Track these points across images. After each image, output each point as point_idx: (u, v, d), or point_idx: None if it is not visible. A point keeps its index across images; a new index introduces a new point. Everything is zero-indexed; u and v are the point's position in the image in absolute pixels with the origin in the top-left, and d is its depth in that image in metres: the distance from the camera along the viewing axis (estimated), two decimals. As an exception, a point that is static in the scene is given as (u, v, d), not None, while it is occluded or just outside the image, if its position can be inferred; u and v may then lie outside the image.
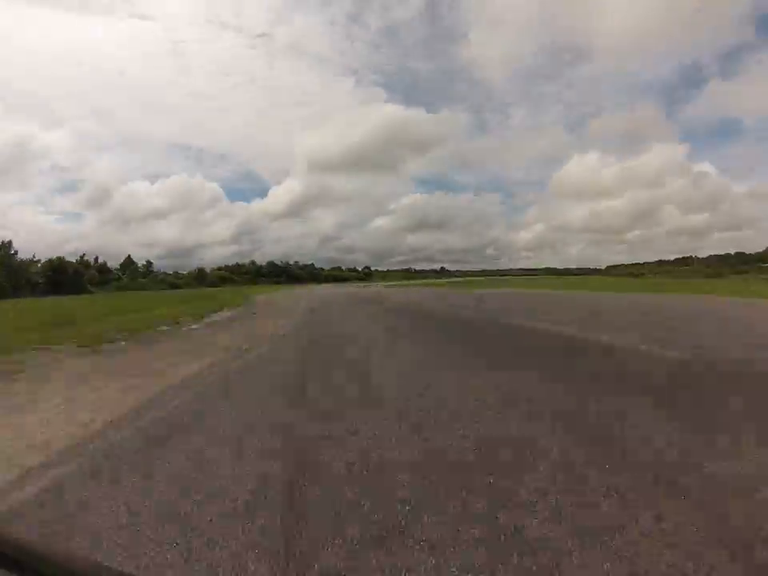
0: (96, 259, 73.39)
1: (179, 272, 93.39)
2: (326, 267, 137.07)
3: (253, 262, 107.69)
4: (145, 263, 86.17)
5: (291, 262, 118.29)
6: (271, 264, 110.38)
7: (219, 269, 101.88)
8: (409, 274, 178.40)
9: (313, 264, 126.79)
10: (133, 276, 74.46)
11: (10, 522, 1.98)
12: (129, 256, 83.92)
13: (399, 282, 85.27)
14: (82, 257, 67.12)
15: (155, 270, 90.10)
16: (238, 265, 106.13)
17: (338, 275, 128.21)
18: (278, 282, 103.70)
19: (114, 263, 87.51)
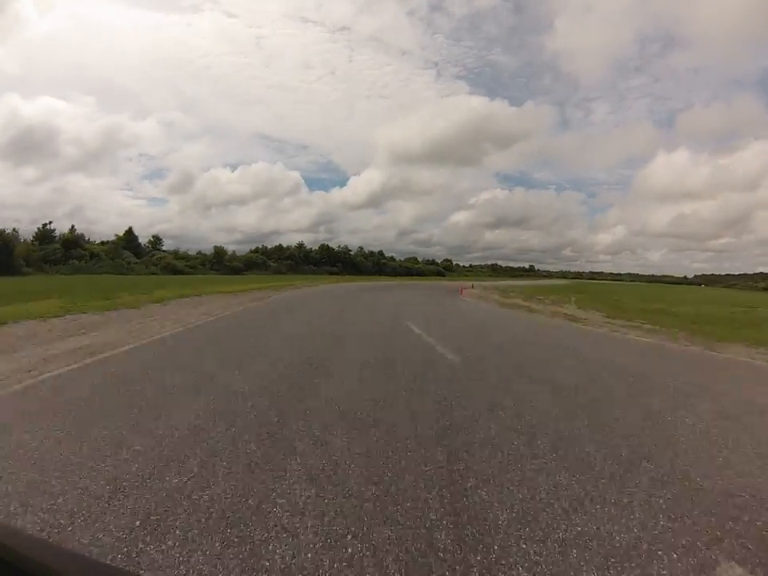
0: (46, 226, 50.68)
1: (186, 251, 69.84)
2: (400, 257, 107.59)
3: (301, 245, 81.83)
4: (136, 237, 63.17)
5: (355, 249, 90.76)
6: (325, 248, 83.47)
7: (254, 251, 76.89)
8: (495, 270, 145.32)
9: (381, 252, 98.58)
10: (115, 256, 51.36)
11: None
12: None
13: (512, 283, 64.46)
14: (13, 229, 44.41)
15: (159, 248, 67.15)
16: (279, 247, 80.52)
17: (411, 267, 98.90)
18: (332, 273, 74.92)
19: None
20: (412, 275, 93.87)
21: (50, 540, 1.23)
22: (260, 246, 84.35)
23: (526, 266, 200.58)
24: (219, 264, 67.73)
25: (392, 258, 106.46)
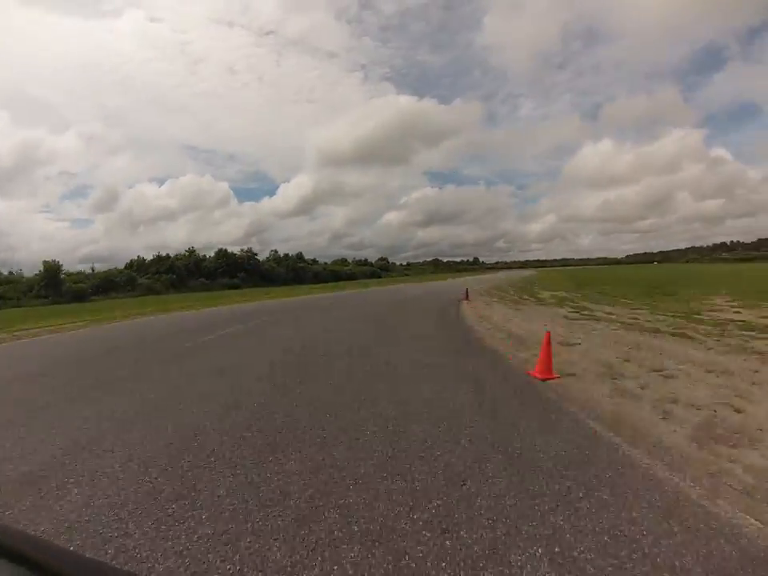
0: None
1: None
2: (327, 260, 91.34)
3: (191, 251, 63.31)
4: None
5: (267, 253, 73.51)
6: (222, 254, 65.73)
7: (126, 267, 57.58)
8: (438, 267, 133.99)
9: (301, 255, 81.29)
10: None
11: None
12: None
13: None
14: None
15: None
16: (158, 258, 61.50)
17: (340, 271, 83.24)
18: (231, 286, 56.85)
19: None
20: (341, 279, 78.30)
21: (50, 540, 1.19)
22: (135, 258, 64.55)
23: (469, 259, 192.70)
24: (53, 288, 47.67)
25: (314, 261, 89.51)
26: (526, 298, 19.11)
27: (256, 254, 72.50)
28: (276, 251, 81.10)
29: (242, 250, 72.72)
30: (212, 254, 69.33)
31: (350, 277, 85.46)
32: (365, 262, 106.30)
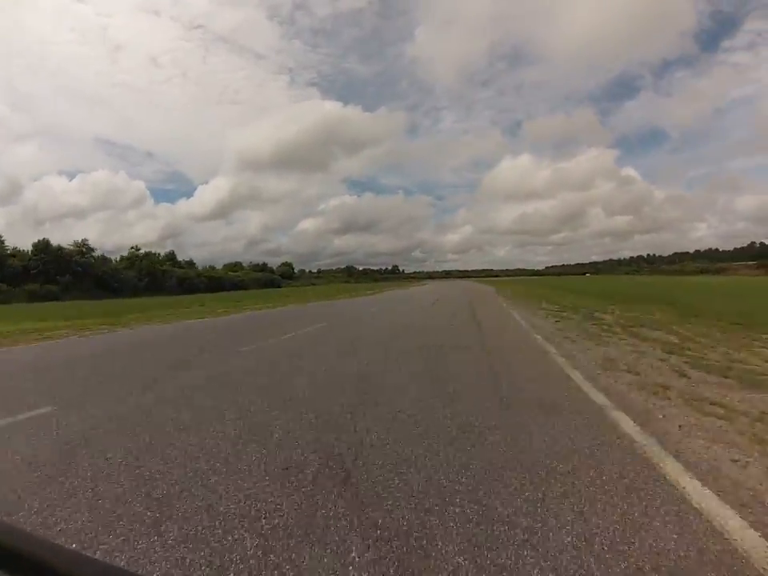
0: None
1: None
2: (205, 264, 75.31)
3: (61, 249, 45.01)
4: None
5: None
6: (42, 247, 47.80)
7: None
8: (351, 275, 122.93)
9: (156, 255, 64.14)
10: None
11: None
12: None
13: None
14: None
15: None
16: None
17: (222, 278, 67.07)
18: (48, 297, 37.69)
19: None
20: (222, 290, 62.40)
21: (50, 540, 0.79)
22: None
23: (387, 267, 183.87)
24: None
25: (177, 265, 70.57)
26: (565, 315, 12.17)
27: (93, 249, 54.98)
28: (136, 248, 62.72)
29: (75, 243, 54.51)
30: (29, 250, 50.47)
31: (238, 286, 70.31)
32: (262, 267, 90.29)
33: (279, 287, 75.38)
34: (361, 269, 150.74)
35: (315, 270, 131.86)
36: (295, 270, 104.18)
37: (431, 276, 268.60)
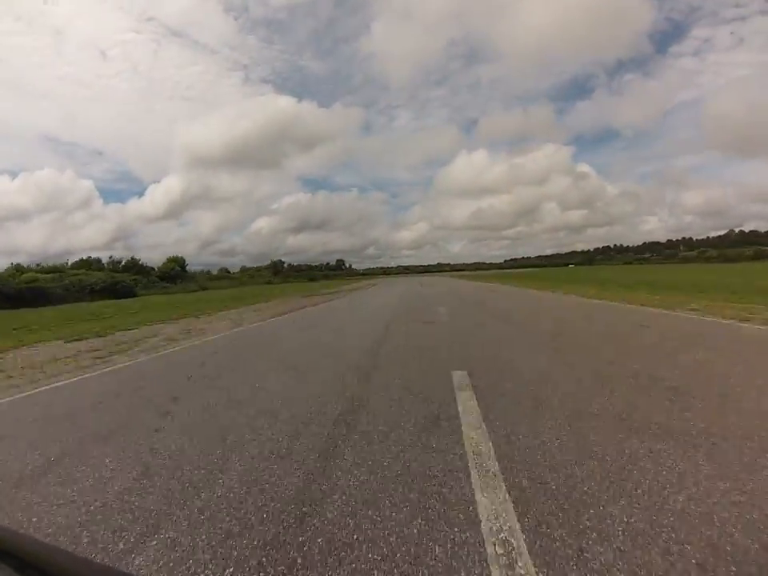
0: None
1: None
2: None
3: None
4: None
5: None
6: None
7: None
8: (278, 272, 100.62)
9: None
10: None
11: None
12: None
13: None
14: None
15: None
16: None
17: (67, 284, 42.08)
18: None
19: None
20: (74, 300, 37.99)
21: (50, 542, 1.23)
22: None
23: (329, 262, 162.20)
24: None
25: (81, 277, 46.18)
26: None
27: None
28: None
29: None
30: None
31: (112, 292, 45.89)
32: (115, 265, 64.09)
33: (131, 296, 49.65)
34: (294, 264, 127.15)
35: (223, 269, 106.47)
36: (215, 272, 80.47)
37: (386, 272, 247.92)
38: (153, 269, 68.86)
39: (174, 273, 69.69)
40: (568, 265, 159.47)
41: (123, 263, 65.66)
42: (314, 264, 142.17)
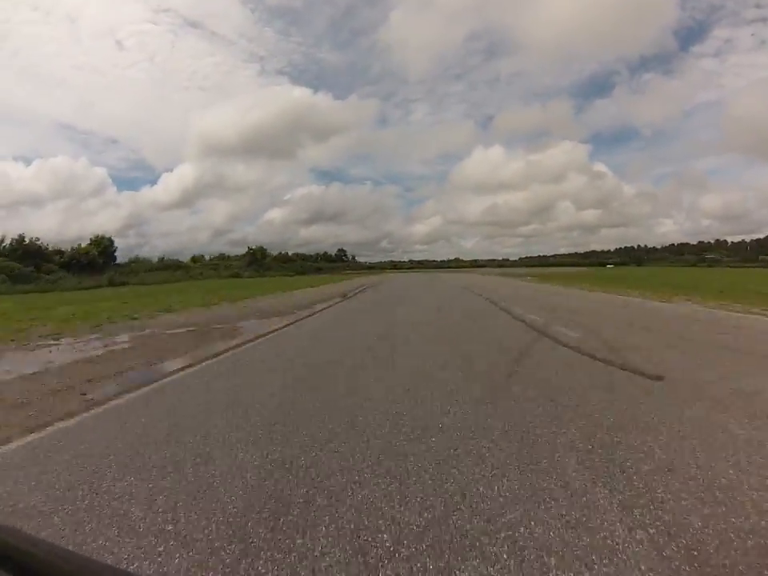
0: None
1: None
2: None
3: None
4: None
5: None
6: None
7: None
8: (262, 264, 79.86)
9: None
10: None
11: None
12: None
13: None
14: None
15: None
16: None
17: None
18: None
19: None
20: None
21: (50, 540, 0.86)
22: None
23: (330, 253, 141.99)
24: None
25: None
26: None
27: None
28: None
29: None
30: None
31: None
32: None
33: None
34: (283, 253, 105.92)
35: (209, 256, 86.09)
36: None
37: (396, 266, 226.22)
38: (60, 253, 49.53)
39: (89, 261, 49.98)
40: (606, 265, 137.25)
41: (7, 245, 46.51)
42: (308, 254, 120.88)
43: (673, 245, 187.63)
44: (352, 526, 2.41)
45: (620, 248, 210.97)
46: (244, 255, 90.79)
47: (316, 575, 2.00)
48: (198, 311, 16.13)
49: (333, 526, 2.42)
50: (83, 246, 53.42)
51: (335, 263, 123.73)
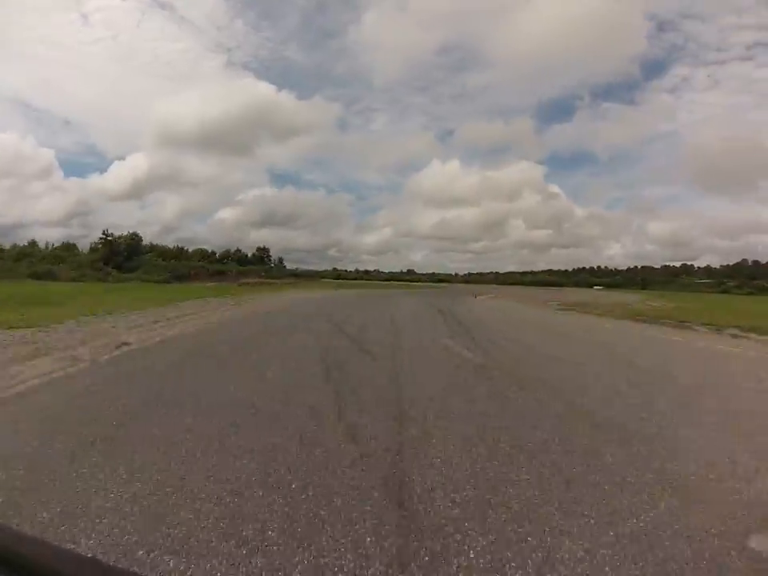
0: None
1: None
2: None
3: None
4: None
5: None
6: None
7: None
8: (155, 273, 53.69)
9: None
10: None
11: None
12: None
13: None
14: None
15: None
16: None
17: None
18: None
19: None
20: None
21: (50, 540, 1.16)
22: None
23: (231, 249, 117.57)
24: None
25: None
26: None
27: None
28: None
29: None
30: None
31: None
32: None
33: None
34: (171, 246, 77.84)
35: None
36: None
37: (340, 275, 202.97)
38: None
39: None
40: (592, 286, 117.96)
41: None
42: (208, 249, 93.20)
43: (630, 267, 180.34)
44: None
45: (581, 268, 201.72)
46: (93, 249, 64.97)
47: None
48: None
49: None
50: None
51: (255, 266, 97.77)
